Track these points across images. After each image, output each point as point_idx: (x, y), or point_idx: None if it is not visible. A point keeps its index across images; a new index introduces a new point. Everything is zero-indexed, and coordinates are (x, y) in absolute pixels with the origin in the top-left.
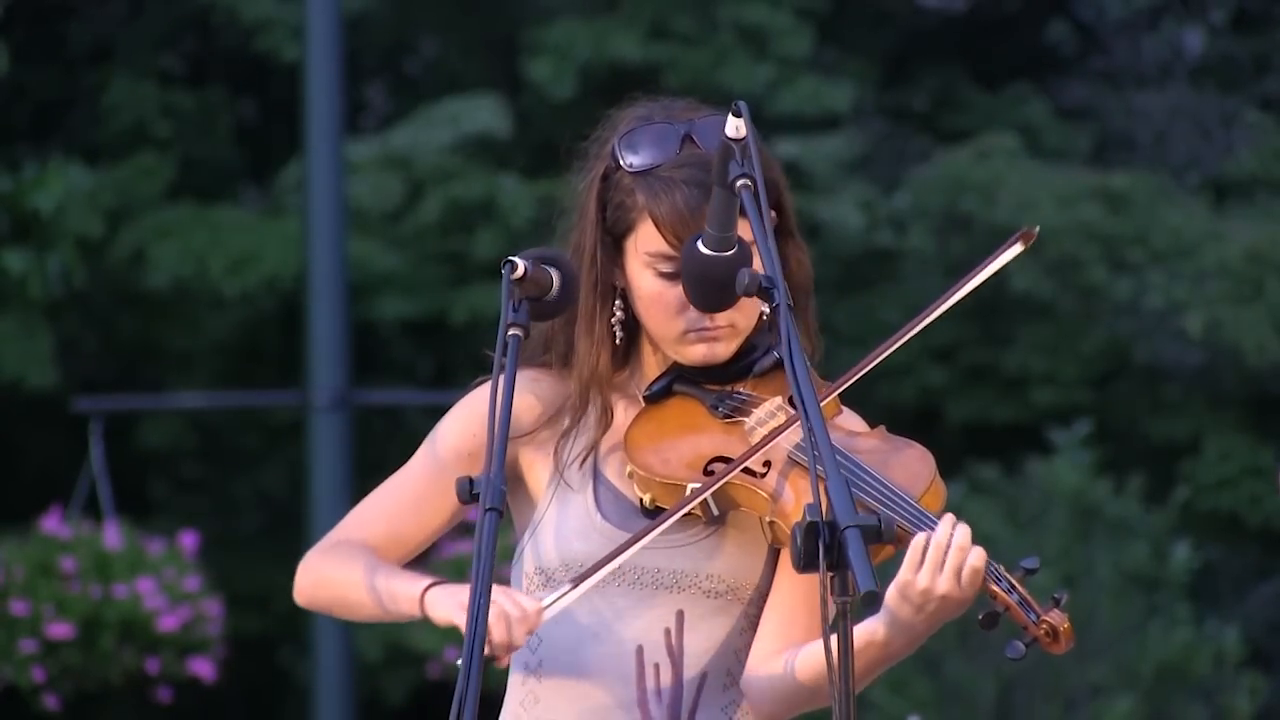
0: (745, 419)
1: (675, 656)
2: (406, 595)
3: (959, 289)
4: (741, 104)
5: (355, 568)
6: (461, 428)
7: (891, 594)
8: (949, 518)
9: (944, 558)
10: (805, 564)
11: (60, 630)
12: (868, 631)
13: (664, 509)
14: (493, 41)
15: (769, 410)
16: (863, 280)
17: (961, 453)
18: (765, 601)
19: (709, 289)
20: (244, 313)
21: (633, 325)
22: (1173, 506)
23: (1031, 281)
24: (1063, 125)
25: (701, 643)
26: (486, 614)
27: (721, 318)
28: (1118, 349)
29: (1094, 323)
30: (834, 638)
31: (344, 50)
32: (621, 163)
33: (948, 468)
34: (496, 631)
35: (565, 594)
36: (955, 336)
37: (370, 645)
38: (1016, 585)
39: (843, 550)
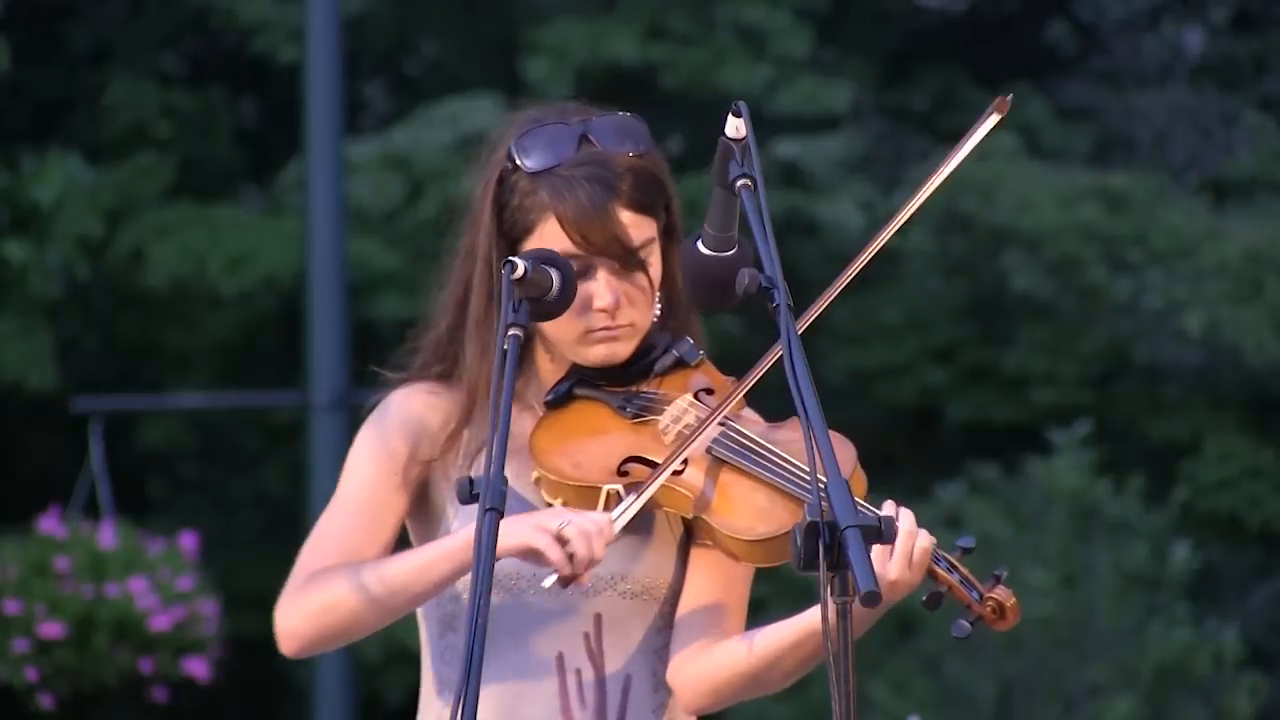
0: (658, 418)
1: (596, 661)
2: (450, 547)
3: (946, 165)
4: (741, 104)
5: (352, 578)
6: (377, 446)
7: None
8: (890, 504)
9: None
10: (805, 564)
11: (52, 630)
12: (811, 621)
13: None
14: (492, 41)
15: (681, 408)
16: (862, 280)
17: (961, 453)
18: (678, 599)
19: (709, 289)
20: (244, 312)
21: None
22: (1172, 507)
23: (1031, 281)
24: (1062, 125)
25: (621, 645)
26: (486, 614)
27: (622, 316)
28: (1118, 349)
29: (1094, 323)
30: (833, 636)
31: (344, 50)
32: (519, 164)
33: (948, 468)
34: (580, 546)
35: (632, 503)
36: (955, 336)
37: (370, 645)
38: (956, 564)
39: (843, 550)
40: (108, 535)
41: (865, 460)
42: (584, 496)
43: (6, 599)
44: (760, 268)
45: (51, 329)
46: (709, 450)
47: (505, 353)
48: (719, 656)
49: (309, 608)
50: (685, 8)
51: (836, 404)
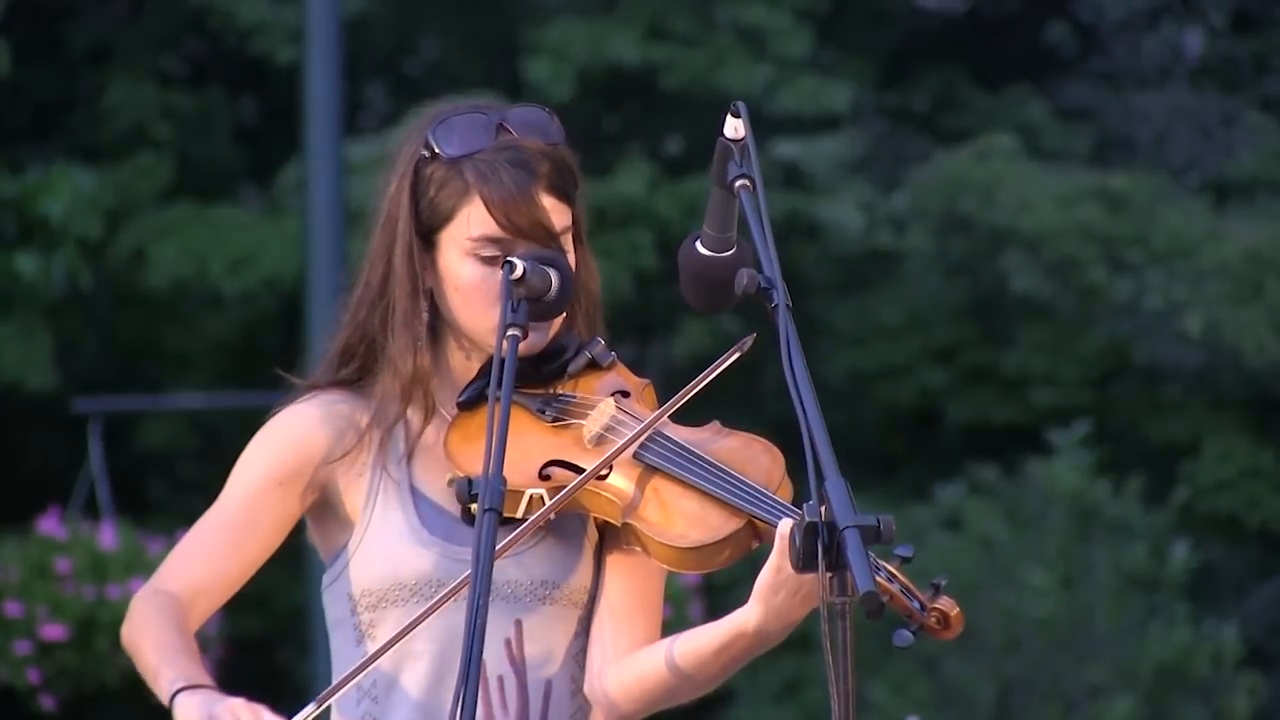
0: (580, 421)
1: (518, 667)
2: (163, 689)
3: (687, 393)
4: (740, 104)
5: (150, 635)
6: (270, 456)
7: (764, 583)
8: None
9: None
10: (804, 564)
11: (54, 631)
12: (736, 624)
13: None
14: (492, 42)
15: (605, 412)
16: (863, 280)
17: (961, 453)
18: (595, 604)
19: (709, 289)
20: (243, 313)
21: (434, 329)
22: (1172, 507)
23: (1031, 282)
24: (1062, 126)
25: (542, 651)
26: (485, 614)
27: None
28: (1117, 349)
29: (1094, 323)
30: (833, 635)
31: (343, 51)
32: (437, 152)
33: (948, 468)
34: None
35: (310, 714)
36: (955, 337)
37: None
38: (896, 574)
39: (841, 550)
40: (108, 536)
41: (865, 460)
42: (506, 500)
43: (8, 601)
44: (759, 268)
45: (51, 329)
46: (636, 456)
47: (505, 353)
48: (641, 664)
49: (132, 626)
50: (686, 8)
51: (836, 405)
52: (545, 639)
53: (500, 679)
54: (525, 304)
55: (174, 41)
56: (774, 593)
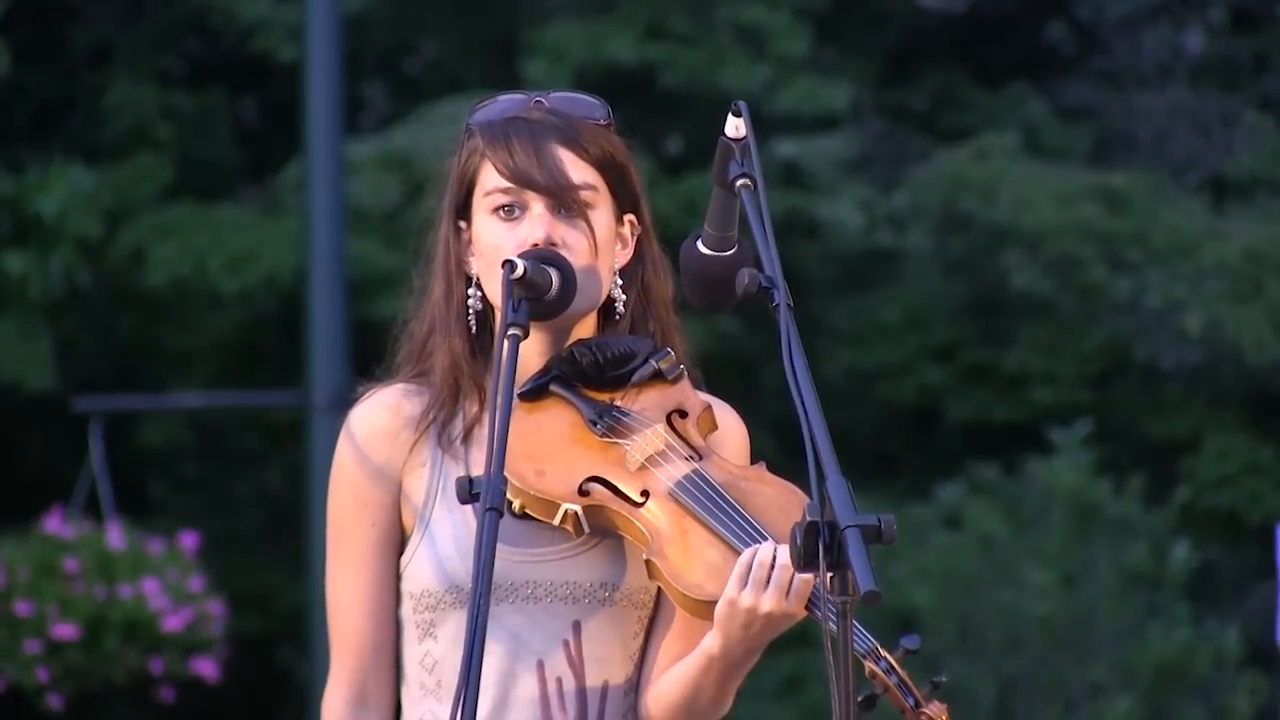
0: (624, 443)
1: (577, 668)
2: None
3: None
4: (741, 103)
5: None
6: (348, 500)
7: (720, 612)
8: (769, 543)
9: (768, 575)
10: (805, 563)
11: (64, 631)
12: (706, 649)
13: (533, 517)
14: (492, 41)
15: (651, 440)
16: (862, 280)
17: (961, 453)
18: (656, 604)
19: (709, 289)
20: (243, 312)
21: (486, 318)
22: (1172, 506)
23: (1031, 281)
24: (1062, 125)
25: (600, 651)
26: (486, 614)
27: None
28: (1117, 348)
29: (1093, 322)
30: (833, 635)
31: (343, 50)
32: (470, 124)
33: (948, 468)
34: None
35: None
36: (955, 336)
37: None
38: (895, 666)
39: (843, 550)
40: (115, 536)
41: (865, 459)
42: (542, 508)
43: (17, 600)
44: (760, 267)
45: (50, 329)
46: (671, 493)
47: (504, 352)
48: (662, 688)
49: None
50: (684, 8)
51: (836, 404)
52: (603, 640)
53: (559, 680)
54: (526, 303)
55: (174, 41)
56: (728, 621)
